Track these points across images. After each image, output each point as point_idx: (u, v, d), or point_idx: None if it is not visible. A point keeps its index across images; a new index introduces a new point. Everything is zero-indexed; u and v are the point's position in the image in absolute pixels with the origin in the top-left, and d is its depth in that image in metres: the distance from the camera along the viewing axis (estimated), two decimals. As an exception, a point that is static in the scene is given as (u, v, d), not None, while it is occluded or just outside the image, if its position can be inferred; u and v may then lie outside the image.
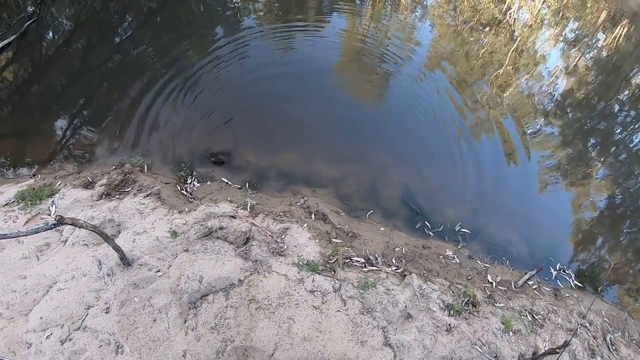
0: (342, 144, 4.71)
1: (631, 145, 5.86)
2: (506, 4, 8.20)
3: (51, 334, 2.78)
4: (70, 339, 2.73)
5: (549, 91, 6.50)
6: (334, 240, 3.35)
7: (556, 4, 8.32)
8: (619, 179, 5.27)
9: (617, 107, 6.52)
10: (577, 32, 7.93)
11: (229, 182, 4.13)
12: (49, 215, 3.66)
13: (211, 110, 5.08)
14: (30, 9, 7.31)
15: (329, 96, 5.33)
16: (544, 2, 8.43)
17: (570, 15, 8.15)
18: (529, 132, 5.47)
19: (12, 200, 3.92)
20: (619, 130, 6.06)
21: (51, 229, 2.63)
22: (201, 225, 3.32)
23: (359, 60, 6.22)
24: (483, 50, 6.82)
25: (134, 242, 3.24)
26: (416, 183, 4.36)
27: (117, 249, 2.87)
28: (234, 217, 3.40)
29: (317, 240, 3.28)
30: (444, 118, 5.32)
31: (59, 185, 4.11)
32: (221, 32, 6.65)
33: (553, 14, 8.22)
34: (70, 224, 2.54)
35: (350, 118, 5.10)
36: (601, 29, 7.94)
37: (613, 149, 5.70)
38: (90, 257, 3.21)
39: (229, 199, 3.80)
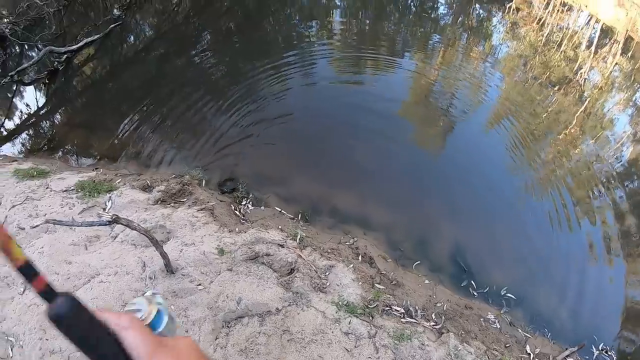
0: (400, 189, 4.64)
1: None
2: (577, 63, 7.94)
3: None
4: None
5: (614, 158, 6.15)
6: (377, 285, 3.24)
7: (629, 66, 7.97)
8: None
9: None
10: (648, 98, 7.53)
11: (282, 211, 4.15)
12: (104, 209, 3.80)
13: (274, 138, 5.16)
14: (117, 13, 7.87)
15: (392, 137, 5.28)
16: (615, 64, 8.12)
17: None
18: (587, 198, 5.16)
19: (72, 187, 4.10)
20: None
21: (106, 225, 2.71)
22: (249, 248, 3.31)
23: (425, 104, 6.17)
24: (551, 109, 6.60)
25: (180, 252, 3.27)
26: (468, 240, 4.18)
27: (164, 255, 2.90)
28: (282, 245, 3.37)
29: (361, 283, 3.19)
30: (504, 174, 5.15)
31: (118, 182, 4.25)
32: (293, 59, 6.80)
33: (624, 77, 7.87)
34: (125, 225, 2.61)
35: (411, 164, 5.03)
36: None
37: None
38: (136, 258, 3.26)
39: (280, 227, 3.79)
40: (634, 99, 7.36)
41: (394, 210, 4.29)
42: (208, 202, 4.01)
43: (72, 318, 0.48)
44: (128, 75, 6.73)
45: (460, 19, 9.51)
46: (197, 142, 5.13)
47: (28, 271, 0.49)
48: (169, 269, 3.04)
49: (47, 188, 4.12)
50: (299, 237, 3.55)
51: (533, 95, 6.83)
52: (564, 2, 9.85)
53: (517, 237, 4.43)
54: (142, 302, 0.81)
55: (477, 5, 10.15)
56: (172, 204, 4.00)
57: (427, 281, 3.60)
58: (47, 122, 5.99)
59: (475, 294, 3.81)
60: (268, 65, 6.52)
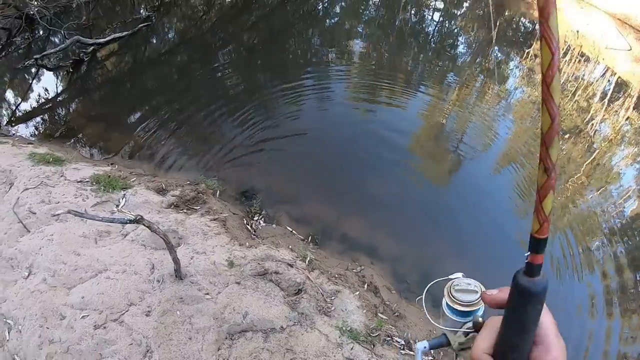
0: (409, 222, 4.66)
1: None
2: (590, 114, 8.09)
3: (87, 315, 2.81)
4: (104, 327, 2.75)
5: (617, 212, 6.20)
6: (380, 314, 3.25)
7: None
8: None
9: None
10: (656, 156, 7.64)
11: (293, 231, 4.17)
12: (118, 206, 3.82)
13: (288, 156, 5.24)
14: (145, 13, 8.04)
15: (405, 170, 5.36)
16: (627, 118, 8.26)
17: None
18: (588, 250, 5.16)
19: (87, 179, 4.13)
20: None
21: (127, 223, 2.75)
22: (258, 263, 3.33)
23: (436, 141, 6.26)
24: (559, 157, 6.69)
25: (191, 259, 3.29)
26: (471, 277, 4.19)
27: (176, 261, 2.92)
28: (291, 265, 3.39)
29: (365, 311, 3.19)
30: (509, 218, 5.19)
31: (133, 181, 4.30)
32: (309, 82, 6.92)
33: (635, 132, 7.99)
34: (147, 226, 2.64)
35: (419, 197, 5.05)
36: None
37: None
38: (146, 259, 3.27)
39: (290, 247, 3.81)
40: (641, 154, 7.47)
41: (402, 243, 4.31)
42: (221, 213, 4.03)
43: (541, 296, 0.52)
44: (149, 77, 6.85)
45: (478, 59, 9.71)
46: (210, 151, 5.19)
47: (539, 245, 0.52)
48: (178, 274, 3.05)
49: (61, 176, 4.15)
50: (308, 259, 3.57)
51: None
52: (582, 52, 10.08)
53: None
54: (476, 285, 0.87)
55: (497, 48, 10.38)
56: (185, 210, 4.02)
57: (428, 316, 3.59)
58: (65, 110, 6.07)
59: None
60: (284, 85, 6.64)
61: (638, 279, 5.17)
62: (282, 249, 3.71)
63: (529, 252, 0.52)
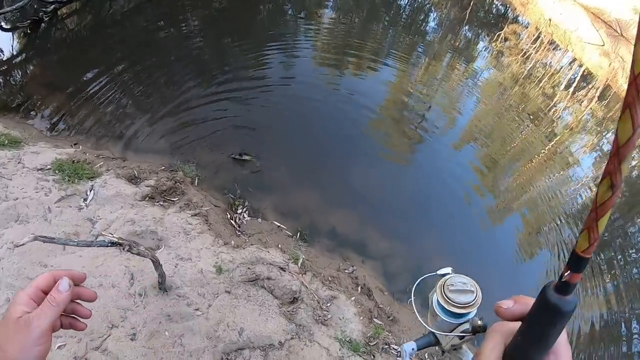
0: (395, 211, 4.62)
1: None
2: (554, 101, 8.34)
3: (64, 345, 2.47)
4: (86, 359, 2.47)
5: (572, 198, 6.50)
6: (375, 319, 3.19)
7: (602, 113, 8.49)
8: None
9: (633, 229, 6.52)
10: (613, 147, 8.08)
11: (280, 226, 3.97)
12: (85, 200, 3.41)
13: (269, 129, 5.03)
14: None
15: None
16: (590, 109, 8.62)
17: (612, 128, 8.32)
18: (538, 232, 5.36)
19: (49, 166, 3.65)
20: (625, 253, 5.97)
21: (107, 246, 2.39)
22: (248, 268, 3.11)
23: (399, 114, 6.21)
24: (520, 139, 6.86)
25: (176, 267, 3.00)
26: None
27: (162, 275, 2.65)
28: (283, 269, 3.20)
29: (361, 318, 3.11)
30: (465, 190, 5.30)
31: (100, 167, 3.86)
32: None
33: (596, 122, 8.37)
34: (127, 250, 2.32)
35: (379, 176, 5.03)
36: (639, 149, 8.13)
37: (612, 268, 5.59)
38: (122, 267, 2.94)
39: (279, 246, 3.62)
40: (600, 144, 7.86)
41: (390, 237, 4.27)
42: (202, 207, 3.73)
43: (570, 315, 0.49)
44: (115, 39, 6.19)
45: (448, 37, 9.62)
46: (184, 128, 4.84)
47: (582, 264, 0.47)
48: (163, 287, 2.78)
49: (19, 163, 3.62)
50: (300, 261, 3.41)
51: (505, 124, 7.07)
52: (552, 40, 10.27)
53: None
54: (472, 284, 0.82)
55: (467, 27, 10.32)
56: (162, 203, 3.67)
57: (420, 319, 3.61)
58: (22, 76, 5.42)
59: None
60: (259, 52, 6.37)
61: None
62: (272, 249, 3.52)
63: (568, 271, 0.48)
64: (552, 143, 7.29)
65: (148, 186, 3.77)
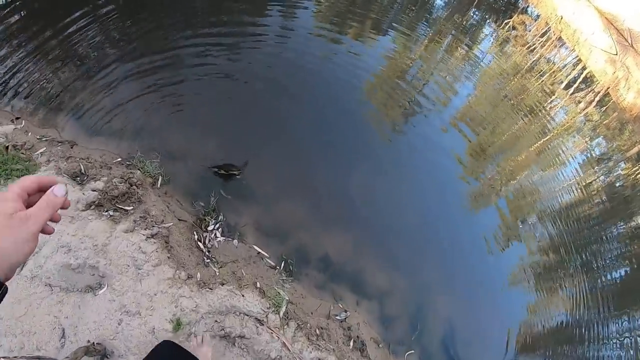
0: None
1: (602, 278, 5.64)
2: (552, 98, 8.09)
3: None
4: None
5: (556, 195, 6.35)
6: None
7: (597, 118, 8.24)
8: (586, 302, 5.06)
9: (609, 236, 6.37)
10: (604, 152, 7.85)
11: (261, 252, 3.40)
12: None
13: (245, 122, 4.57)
14: None
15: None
16: (586, 112, 8.37)
17: (605, 134, 8.07)
18: (515, 226, 5.23)
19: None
20: (599, 258, 5.87)
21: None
22: (216, 321, 2.61)
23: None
24: (513, 130, 6.67)
25: (119, 324, 2.41)
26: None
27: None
28: (261, 322, 2.76)
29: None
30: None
31: (40, 156, 3.23)
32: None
33: (590, 126, 8.13)
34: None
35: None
36: (627, 160, 7.86)
37: (589, 272, 5.47)
38: (52, 318, 2.38)
39: (258, 284, 3.07)
40: (590, 148, 7.63)
41: (391, 267, 3.87)
42: (162, 222, 3.07)
43: None
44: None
45: (455, 16, 9.36)
46: (151, 106, 4.22)
47: None
48: (100, 353, 2.31)
49: None
50: (283, 310, 2.92)
51: (501, 112, 6.88)
52: (560, 37, 9.96)
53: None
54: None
55: (475, 10, 10.03)
56: (111, 213, 2.98)
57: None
58: None
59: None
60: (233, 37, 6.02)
61: (564, 257, 5.38)
62: (247, 291, 2.95)
63: None
64: (544, 139, 7.10)
65: (95, 190, 3.08)
